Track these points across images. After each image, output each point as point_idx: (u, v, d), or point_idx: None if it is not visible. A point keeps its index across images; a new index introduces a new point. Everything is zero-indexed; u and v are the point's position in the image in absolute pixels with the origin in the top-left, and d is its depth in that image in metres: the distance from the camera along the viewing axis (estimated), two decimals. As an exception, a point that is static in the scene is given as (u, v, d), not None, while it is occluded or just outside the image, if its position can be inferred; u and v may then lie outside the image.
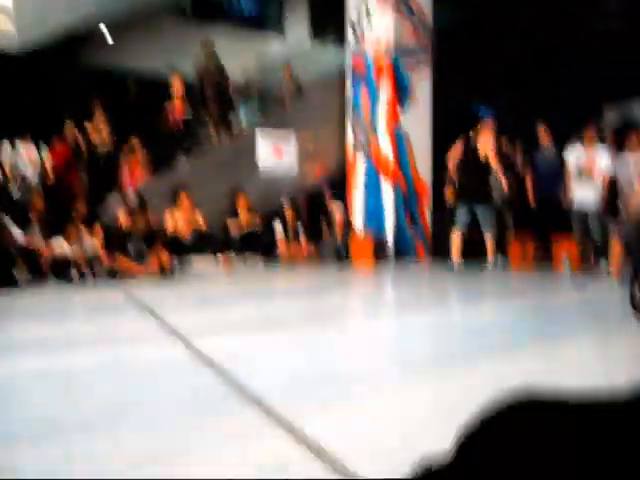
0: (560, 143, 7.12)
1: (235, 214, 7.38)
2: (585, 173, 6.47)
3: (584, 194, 6.44)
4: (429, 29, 7.79)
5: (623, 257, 5.72)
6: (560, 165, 6.81)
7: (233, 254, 7.20)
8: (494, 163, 6.43)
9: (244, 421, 1.61)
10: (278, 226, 7.45)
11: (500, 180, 6.55)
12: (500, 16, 8.81)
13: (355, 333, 3.40)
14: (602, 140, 6.75)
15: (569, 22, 8.73)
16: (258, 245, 7.39)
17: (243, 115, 8.20)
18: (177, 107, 7.79)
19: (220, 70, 8.41)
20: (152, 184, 7.42)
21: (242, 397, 1.83)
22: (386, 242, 7.55)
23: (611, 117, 10.72)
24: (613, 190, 6.63)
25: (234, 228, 7.26)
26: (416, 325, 3.47)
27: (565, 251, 6.55)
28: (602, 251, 6.30)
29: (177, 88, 7.80)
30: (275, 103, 8.50)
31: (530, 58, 8.54)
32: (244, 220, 7.31)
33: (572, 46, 8.66)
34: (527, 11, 8.72)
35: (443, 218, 7.46)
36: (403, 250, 7.64)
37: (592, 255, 6.58)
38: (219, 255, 6.90)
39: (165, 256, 5.98)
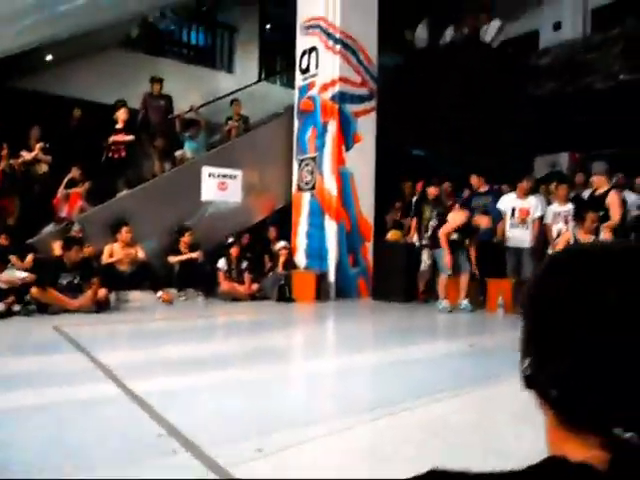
0: (495, 190, 7.51)
1: (177, 248, 7.26)
2: (519, 219, 6.85)
3: (518, 237, 6.83)
4: (375, 75, 8.11)
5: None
6: (495, 210, 7.20)
7: (173, 289, 7.05)
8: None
9: (176, 464, 1.56)
10: (221, 262, 7.37)
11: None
12: (440, 66, 9.29)
13: (294, 373, 3.38)
14: (534, 189, 7.18)
15: (504, 84, 9.32)
16: (199, 280, 7.27)
17: (189, 150, 8.16)
18: (121, 138, 7.67)
19: (167, 104, 8.41)
20: (92, 215, 7.21)
21: (175, 440, 1.78)
22: (328, 280, 7.60)
23: (541, 167, 11.42)
24: (543, 234, 7.07)
25: (175, 262, 7.13)
26: (354, 365, 3.50)
27: (499, 292, 6.77)
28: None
29: (122, 119, 7.70)
30: (222, 139, 8.53)
31: (468, 108, 9.00)
32: (186, 255, 7.20)
33: (507, 103, 9.23)
34: (466, 63, 9.25)
35: (384, 257, 7.61)
36: (346, 288, 7.71)
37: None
38: (159, 290, 6.74)
39: (101, 289, 5.77)
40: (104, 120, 7.81)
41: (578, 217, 5.83)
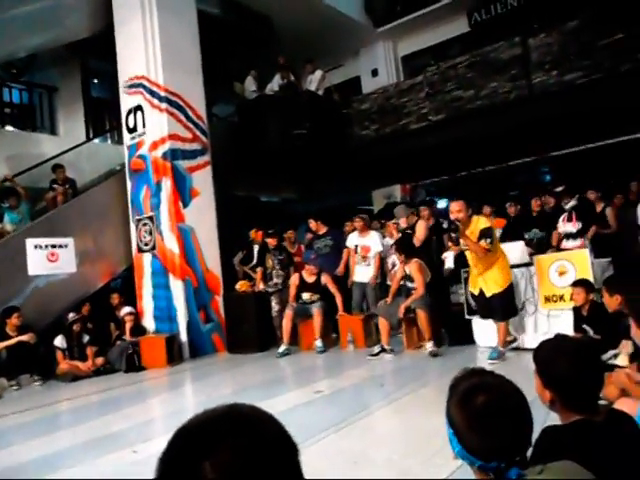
0: (333, 230, 7.89)
1: (4, 333, 6.51)
2: (360, 256, 7.23)
3: (361, 273, 7.20)
4: (206, 129, 8.15)
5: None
6: (338, 249, 7.58)
7: (2, 379, 6.31)
8: None
9: None
10: (58, 339, 6.77)
11: None
12: (269, 113, 9.64)
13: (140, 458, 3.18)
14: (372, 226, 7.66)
15: (334, 127, 9.92)
16: (34, 364, 6.60)
17: (9, 222, 7.45)
18: None
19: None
20: None
21: None
22: (180, 341, 7.34)
23: (379, 199, 12.29)
24: (383, 268, 7.55)
25: (1, 349, 6.39)
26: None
27: (349, 328, 7.02)
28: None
29: None
30: (48, 207, 7.93)
31: (304, 153, 9.41)
32: (15, 338, 6.48)
33: (340, 145, 9.82)
34: (294, 110, 9.70)
35: (235, 309, 7.56)
36: (200, 346, 7.49)
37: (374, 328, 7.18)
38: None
39: None
40: None
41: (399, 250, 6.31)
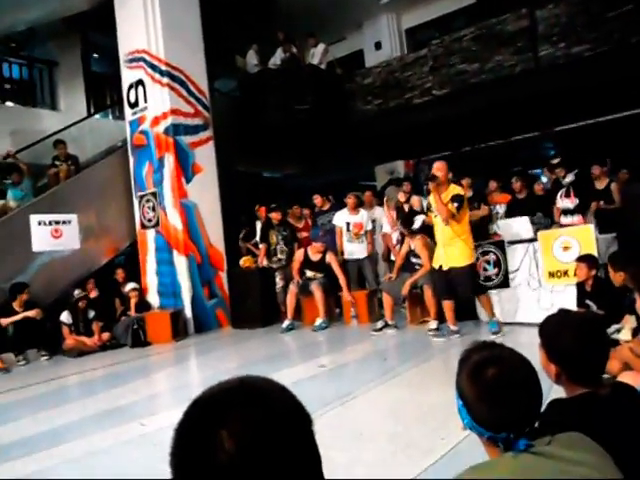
0: (337, 206, 7.85)
1: (10, 309, 6.56)
2: (353, 233, 7.21)
3: (355, 251, 7.18)
4: (208, 104, 8.07)
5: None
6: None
7: (9, 354, 6.38)
8: None
9: None
10: (64, 315, 6.83)
11: None
12: (272, 88, 9.53)
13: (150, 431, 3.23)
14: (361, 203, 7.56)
15: (336, 102, 9.81)
16: (41, 339, 6.67)
17: (12, 199, 7.44)
18: None
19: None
20: None
21: None
22: (185, 316, 7.40)
23: (381, 175, 12.21)
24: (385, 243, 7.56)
25: (8, 324, 6.45)
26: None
27: (352, 304, 7.02)
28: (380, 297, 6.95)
29: None
30: (51, 183, 7.91)
31: (307, 128, 9.33)
32: (21, 314, 6.53)
33: (343, 120, 9.72)
34: (297, 84, 9.59)
35: (239, 285, 7.59)
36: (204, 322, 7.55)
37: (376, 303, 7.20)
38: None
39: None
40: None
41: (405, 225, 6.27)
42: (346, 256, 7.25)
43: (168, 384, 5.24)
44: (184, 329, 7.33)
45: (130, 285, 7.49)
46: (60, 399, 4.61)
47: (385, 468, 2.50)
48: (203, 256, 7.69)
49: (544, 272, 5.52)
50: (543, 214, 6.72)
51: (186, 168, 7.65)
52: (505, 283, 5.79)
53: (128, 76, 7.93)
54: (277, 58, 9.91)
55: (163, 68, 7.55)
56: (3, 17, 8.10)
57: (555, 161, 6.90)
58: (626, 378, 2.11)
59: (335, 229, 7.45)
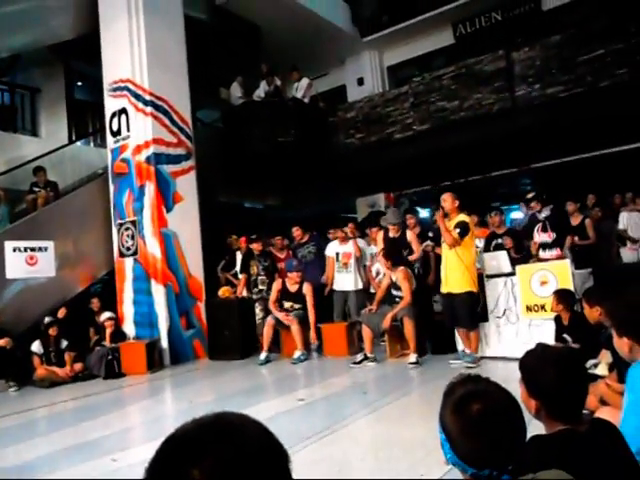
0: (315, 237, 7.88)
1: (-21, 337, 6.38)
2: (342, 263, 7.25)
3: (342, 281, 7.22)
4: (190, 134, 8.10)
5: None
6: (321, 255, 7.58)
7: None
8: None
9: None
10: (35, 345, 6.65)
11: None
12: (255, 119, 9.62)
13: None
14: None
15: (320, 135, 9.94)
16: (10, 369, 6.46)
17: (-13, 225, 7.32)
18: None
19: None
20: None
21: None
22: (161, 347, 7.25)
23: (362, 207, 12.32)
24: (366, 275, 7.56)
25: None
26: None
27: (332, 336, 6.96)
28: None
29: None
30: (29, 209, 7.80)
31: (290, 159, 9.40)
32: (-9, 343, 6.35)
33: (325, 153, 9.83)
34: (280, 117, 9.70)
35: (217, 315, 7.49)
36: (181, 353, 7.41)
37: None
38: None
39: None
40: None
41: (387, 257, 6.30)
42: (334, 286, 7.28)
43: (141, 417, 5.09)
44: (160, 360, 7.18)
45: (106, 314, 7.33)
46: (28, 432, 4.45)
47: (364, 506, 2.44)
48: (181, 286, 7.59)
49: (522, 306, 5.57)
50: (518, 248, 6.84)
51: (167, 197, 7.62)
52: (484, 317, 5.82)
53: (111, 104, 7.95)
54: (261, 91, 10.04)
55: (147, 97, 7.59)
56: (-13, 43, 8.11)
57: (530, 195, 7.07)
58: (604, 414, 2.11)
59: (314, 260, 7.50)
